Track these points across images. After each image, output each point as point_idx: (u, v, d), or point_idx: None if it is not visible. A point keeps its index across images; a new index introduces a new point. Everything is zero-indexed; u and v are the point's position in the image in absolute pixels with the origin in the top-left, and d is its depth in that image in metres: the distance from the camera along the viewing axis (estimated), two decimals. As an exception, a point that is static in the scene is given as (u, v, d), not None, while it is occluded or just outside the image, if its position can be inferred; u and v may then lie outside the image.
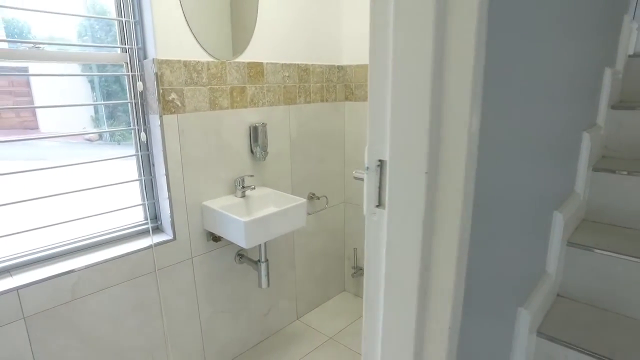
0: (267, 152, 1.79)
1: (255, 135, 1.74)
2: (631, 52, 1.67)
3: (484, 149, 0.64)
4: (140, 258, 1.49)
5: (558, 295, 1.31)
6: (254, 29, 1.71)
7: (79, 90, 1.53)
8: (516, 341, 1.04)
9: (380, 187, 0.65)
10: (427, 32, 0.53)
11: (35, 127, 1.89)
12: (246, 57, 1.70)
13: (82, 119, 1.56)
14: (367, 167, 0.66)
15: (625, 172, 1.33)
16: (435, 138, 0.56)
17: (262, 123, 1.75)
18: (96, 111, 1.56)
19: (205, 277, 1.71)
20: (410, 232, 0.61)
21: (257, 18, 1.71)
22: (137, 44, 1.43)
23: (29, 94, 1.63)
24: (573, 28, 0.98)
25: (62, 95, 1.49)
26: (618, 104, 1.55)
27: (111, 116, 1.56)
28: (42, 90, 1.50)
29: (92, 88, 1.54)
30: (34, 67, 1.39)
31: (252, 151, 1.76)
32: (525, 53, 0.72)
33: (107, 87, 1.54)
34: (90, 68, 1.48)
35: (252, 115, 1.75)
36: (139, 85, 1.43)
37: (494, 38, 0.58)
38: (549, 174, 1.06)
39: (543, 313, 1.17)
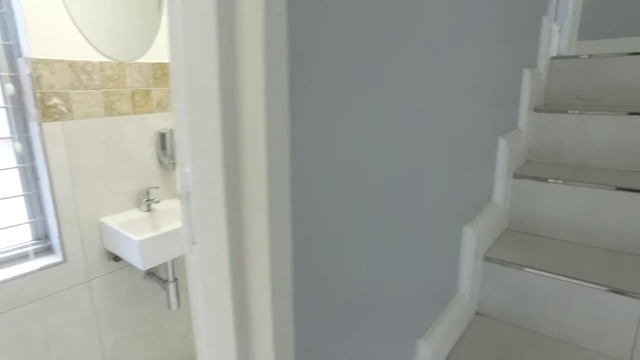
0: (176, 162, 1.63)
1: (163, 142, 1.57)
2: (554, 54, 1.62)
3: (314, 169, 0.52)
4: (21, 285, 1.31)
5: (477, 313, 1.23)
6: (159, 26, 1.55)
7: None
8: (418, 374, 0.93)
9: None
10: (211, 27, 0.40)
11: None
12: (150, 57, 1.54)
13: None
14: (181, 196, 0.52)
15: (561, 182, 1.25)
16: (233, 165, 0.44)
17: (170, 129, 1.59)
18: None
19: (107, 300, 1.54)
20: (220, 276, 0.48)
21: (163, 14, 1.55)
22: (5, 40, 1.25)
23: None
24: (466, 26, 0.88)
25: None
26: (542, 107, 1.48)
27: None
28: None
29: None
30: None
31: (160, 160, 1.60)
32: (381, 53, 0.61)
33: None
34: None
35: (159, 121, 1.59)
36: (8, 88, 1.25)
37: (311, 39, 0.46)
38: (451, 186, 0.96)
39: (454, 338, 1.07)
